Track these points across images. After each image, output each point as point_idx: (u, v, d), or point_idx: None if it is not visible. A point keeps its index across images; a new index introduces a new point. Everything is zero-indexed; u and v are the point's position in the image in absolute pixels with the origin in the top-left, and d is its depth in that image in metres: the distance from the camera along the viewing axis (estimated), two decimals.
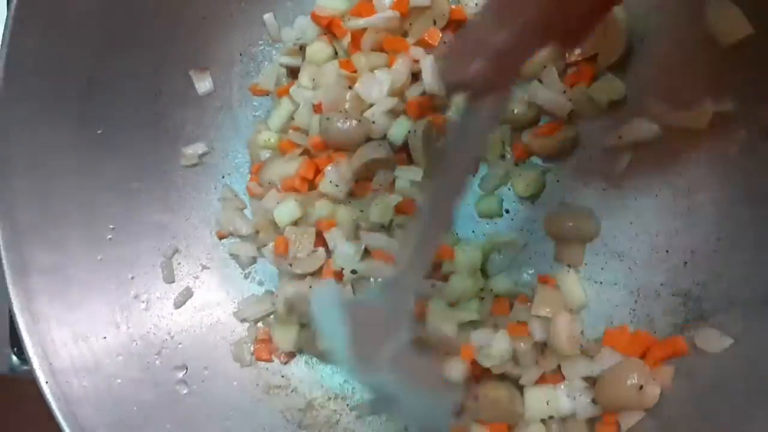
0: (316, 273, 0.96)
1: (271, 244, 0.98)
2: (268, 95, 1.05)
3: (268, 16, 1.04)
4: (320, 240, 0.97)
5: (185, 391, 0.97)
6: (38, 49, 0.91)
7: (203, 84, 1.05)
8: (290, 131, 1.01)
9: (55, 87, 0.94)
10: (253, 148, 1.04)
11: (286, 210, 0.96)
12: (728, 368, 0.78)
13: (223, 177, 1.07)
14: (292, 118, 1.01)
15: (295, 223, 0.96)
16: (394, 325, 0.70)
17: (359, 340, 0.67)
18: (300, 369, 1.01)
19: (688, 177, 0.87)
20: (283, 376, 1.01)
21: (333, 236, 0.94)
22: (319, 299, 0.74)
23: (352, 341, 0.67)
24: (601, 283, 0.91)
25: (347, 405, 0.98)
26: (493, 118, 0.67)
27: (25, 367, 0.92)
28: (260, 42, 1.05)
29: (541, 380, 0.87)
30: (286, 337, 0.99)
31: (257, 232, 1.01)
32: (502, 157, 0.94)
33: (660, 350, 0.83)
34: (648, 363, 0.83)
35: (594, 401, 0.84)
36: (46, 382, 0.89)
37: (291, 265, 0.95)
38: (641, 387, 0.79)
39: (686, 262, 0.86)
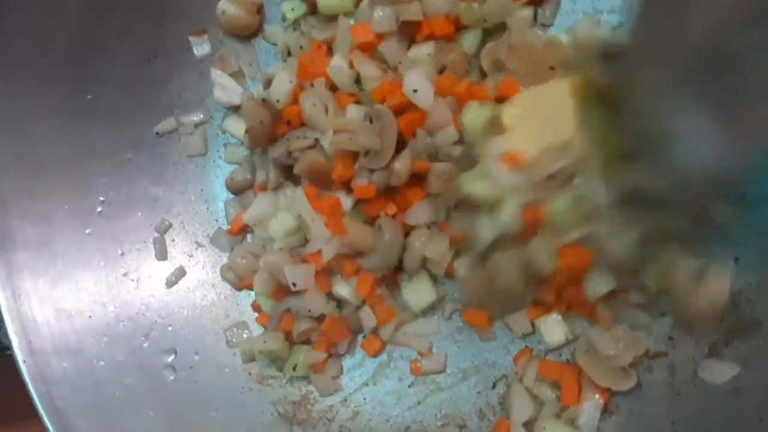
0: None
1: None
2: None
3: None
4: None
5: (172, 377, 0.91)
6: (23, 6, 0.86)
7: (201, 47, 0.96)
8: None
9: (42, 47, 0.88)
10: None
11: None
12: None
13: (223, 146, 0.99)
14: None
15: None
16: None
17: None
18: None
19: None
20: None
21: None
22: None
23: None
24: None
25: (345, 400, 0.90)
26: None
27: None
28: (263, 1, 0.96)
29: None
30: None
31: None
32: None
33: None
34: None
35: None
36: (24, 362, 0.85)
37: None
38: None
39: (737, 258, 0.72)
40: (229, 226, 0.96)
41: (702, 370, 0.70)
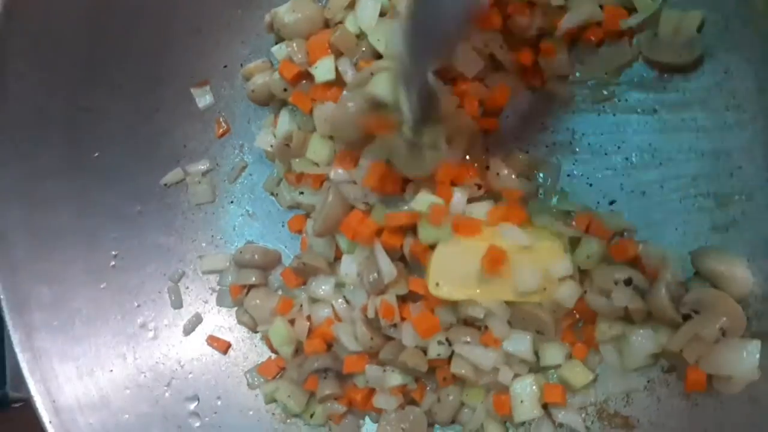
0: None
1: None
2: (269, 105, 0.98)
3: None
4: None
5: (197, 424, 0.92)
6: (21, 71, 0.87)
7: (203, 98, 0.99)
8: None
9: (39, 111, 0.89)
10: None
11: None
12: None
13: (231, 198, 1.01)
14: None
15: None
16: None
17: None
18: None
19: None
20: None
21: None
22: None
23: None
24: None
25: None
26: None
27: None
28: (261, 50, 0.98)
29: None
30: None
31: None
32: None
33: None
34: None
35: None
36: (50, 422, 0.86)
37: None
38: None
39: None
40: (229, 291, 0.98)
41: (717, 381, 0.73)
